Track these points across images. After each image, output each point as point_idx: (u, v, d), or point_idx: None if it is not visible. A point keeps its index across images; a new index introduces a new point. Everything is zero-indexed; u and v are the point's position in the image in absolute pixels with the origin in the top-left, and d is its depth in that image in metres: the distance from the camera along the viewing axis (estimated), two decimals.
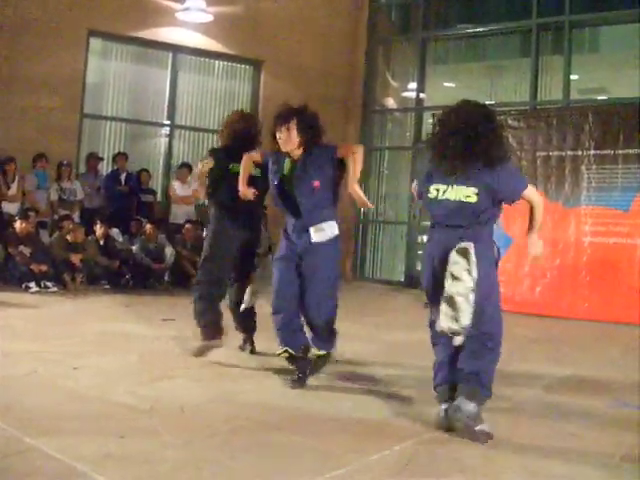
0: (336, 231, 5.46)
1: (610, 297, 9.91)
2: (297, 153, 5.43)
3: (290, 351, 5.35)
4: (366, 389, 5.49)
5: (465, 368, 4.39)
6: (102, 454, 3.69)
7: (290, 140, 5.37)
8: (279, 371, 5.77)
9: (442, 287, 4.26)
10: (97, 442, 3.87)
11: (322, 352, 5.51)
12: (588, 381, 6.18)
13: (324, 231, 5.39)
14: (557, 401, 5.41)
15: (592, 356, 7.54)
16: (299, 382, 5.32)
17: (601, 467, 3.99)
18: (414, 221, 14.05)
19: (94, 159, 12.36)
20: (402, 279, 14.20)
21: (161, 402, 4.71)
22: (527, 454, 4.12)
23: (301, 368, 5.38)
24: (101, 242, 11.01)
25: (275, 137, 5.45)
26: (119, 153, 12.62)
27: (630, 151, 10.21)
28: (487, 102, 13.78)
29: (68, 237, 10.59)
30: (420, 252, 13.84)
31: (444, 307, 4.23)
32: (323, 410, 4.82)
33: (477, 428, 4.24)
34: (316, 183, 5.35)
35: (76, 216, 11.48)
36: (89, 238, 10.94)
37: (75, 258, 10.39)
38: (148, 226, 11.47)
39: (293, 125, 5.36)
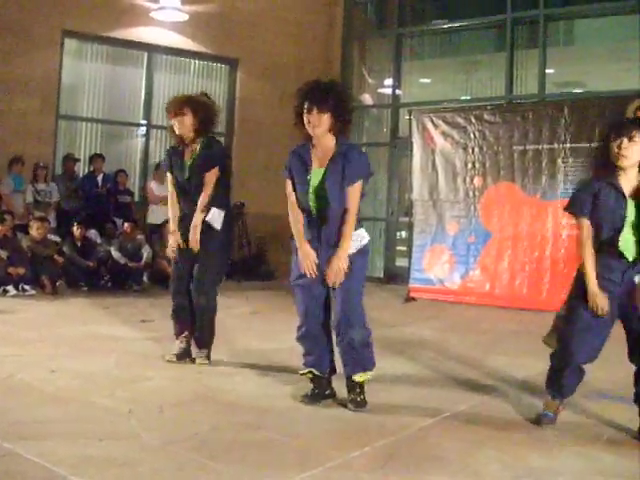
0: (366, 240, 4.92)
1: None
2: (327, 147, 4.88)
3: (315, 372, 4.98)
4: (343, 386, 5.49)
5: None
6: (81, 457, 3.67)
7: (321, 124, 4.80)
8: (257, 371, 5.78)
9: None
10: (76, 445, 3.85)
11: (365, 375, 4.87)
12: None
13: (353, 241, 4.81)
14: (536, 393, 5.43)
15: None
16: (312, 398, 4.96)
17: (580, 457, 4.02)
18: (392, 217, 14.07)
19: (70, 161, 12.28)
20: (381, 275, 14.20)
21: (140, 404, 4.69)
22: (506, 446, 4.14)
23: (321, 386, 5.00)
24: (79, 244, 10.95)
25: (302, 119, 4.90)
26: (95, 154, 12.55)
27: None
28: (463, 97, 13.96)
29: (34, 233, 10.49)
30: (399, 248, 13.88)
31: None
32: (303, 408, 4.82)
33: None
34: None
35: (52, 218, 11.41)
36: (66, 240, 10.88)
37: (57, 257, 10.34)
38: (126, 224, 11.43)
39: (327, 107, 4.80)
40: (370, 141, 15.36)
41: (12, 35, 11.77)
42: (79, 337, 7.04)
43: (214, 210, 5.84)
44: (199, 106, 5.95)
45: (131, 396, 4.90)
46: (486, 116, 11.16)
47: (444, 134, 11.41)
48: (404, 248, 12.68)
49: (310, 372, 4.98)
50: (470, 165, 11.18)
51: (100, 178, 12.34)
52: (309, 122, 4.82)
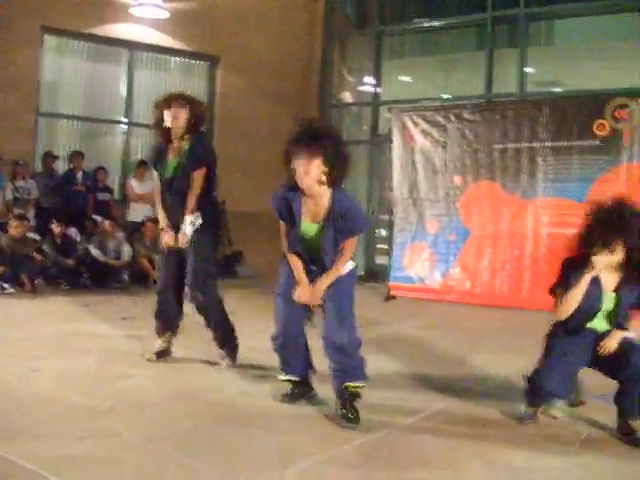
0: (352, 265, 4.73)
1: None
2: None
3: (294, 379, 4.91)
4: (327, 384, 5.50)
5: None
6: (62, 456, 3.67)
7: (309, 174, 4.42)
8: (237, 369, 5.79)
9: None
10: (57, 445, 3.85)
11: (357, 384, 4.64)
12: None
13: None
14: (517, 390, 5.46)
15: None
16: (292, 397, 4.93)
17: (560, 454, 4.05)
18: (372, 216, 14.09)
19: (50, 158, 12.22)
20: (362, 273, 14.22)
21: (121, 402, 4.69)
22: (487, 444, 4.16)
23: (300, 386, 4.95)
24: (58, 241, 10.89)
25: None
26: (75, 152, 12.48)
27: (584, 143, 10.32)
28: (443, 95, 14.00)
29: (13, 232, 10.42)
30: (379, 246, 13.90)
31: None
32: (283, 407, 4.83)
33: None
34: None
35: (31, 215, 11.35)
36: (46, 238, 10.82)
37: (36, 256, 10.29)
38: (106, 222, 11.38)
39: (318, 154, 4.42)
40: (350, 139, 15.36)
41: None
42: (60, 335, 7.00)
43: (187, 219, 5.84)
44: (195, 102, 6.01)
45: (112, 394, 4.89)
46: (466, 115, 11.19)
47: (424, 132, 11.43)
48: (384, 246, 12.70)
49: (289, 380, 4.92)
50: (450, 164, 11.20)
51: (80, 175, 12.27)
52: (298, 170, 4.42)
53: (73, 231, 11.52)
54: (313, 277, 4.65)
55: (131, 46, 13.36)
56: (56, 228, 10.88)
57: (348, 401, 4.55)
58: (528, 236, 10.57)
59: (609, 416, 4.62)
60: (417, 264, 11.29)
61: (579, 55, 13.65)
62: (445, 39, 14.74)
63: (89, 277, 11.00)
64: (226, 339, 6.01)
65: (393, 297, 11.23)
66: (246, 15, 14.04)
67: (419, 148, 11.45)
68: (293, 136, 4.47)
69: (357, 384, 4.60)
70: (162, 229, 6.01)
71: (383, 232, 13.97)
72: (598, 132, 10.21)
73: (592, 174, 10.24)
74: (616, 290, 4.53)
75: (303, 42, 14.95)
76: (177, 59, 13.91)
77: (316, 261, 4.65)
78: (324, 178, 4.43)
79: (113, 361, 5.94)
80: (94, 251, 11.08)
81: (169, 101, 5.90)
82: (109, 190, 12.67)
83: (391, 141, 11.83)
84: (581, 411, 4.93)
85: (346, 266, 4.65)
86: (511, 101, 12.20)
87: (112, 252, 11.20)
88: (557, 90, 13.87)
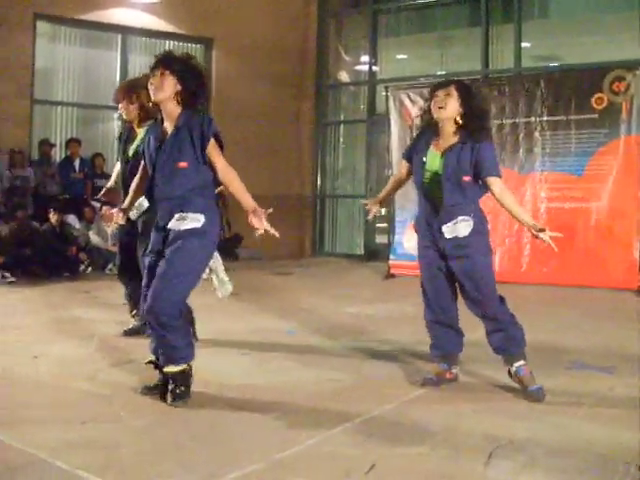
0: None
1: (568, 261, 10.00)
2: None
3: None
4: (327, 362, 5.51)
5: None
6: (63, 441, 3.67)
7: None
8: (237, 350, 5.79)
9: None
10: (58, 430, 3.86)
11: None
12: (547, 345, 6.24)
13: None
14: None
15: (551, 320, 7.62)
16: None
17: (560, 428, 4.05)
18: (371, 194, 14.06)
19: (46, 145, 12.19)
20: (362, 252, 14.23)
21: (121, 387, 4.70)
22: (489, 420, 4.16)
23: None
24: (57, 229, 10.88)
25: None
26: (71, 139, 12.47)
27: (582, 117, 10.30)
28: (439, 72, 13.94)
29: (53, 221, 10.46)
30: (378, 225, 13.88)
31: None
32: (282, 387, 4.83)
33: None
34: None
35: (29, 203, 11.34)
36: (44, 226, 10.81)
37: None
38: (105, 208, 11.32)
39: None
40: (347, 118, 15.35)
41: None
42: (60, 322, 7.03)
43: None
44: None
45: (112, 379, 4.90)
46: None
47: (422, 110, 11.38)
48: (384, 225, 12.68)
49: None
50: None
51: (77, 162, 12.28)
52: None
53: (72, 218, 11.51)
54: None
55: (124, 31, 13.29)
56: (52, 217, 10.85)
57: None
58: (527, 211, 10.55)
59: (609, 386, 4.62)
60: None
61: (575, 28, 13.58)
62: (440, 16, 14.64)
63: (89, 264, 11.00)
64: None
65: (392, 275, 11.22)
66: None
67: (417, 126, 11.39)
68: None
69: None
70: None
71: (383, 211, 13.94)
72: (596, 106, 10.19)
73: (590, 148, 10.25)
74: None
75: (298, 21, 14.87)
76: (171, 42, 13.82)
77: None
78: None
79: (113, 346, 5.95)
80: (93, 237, 11.08)
81: None
82: (107, 176, 12.62)
83: (389, 119, 11.80)
84: (581, 383, 4.94)
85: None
86: (507, 76, 12.16)
87: (112, 238, 11.20)
88: (554, 64, 13.81)
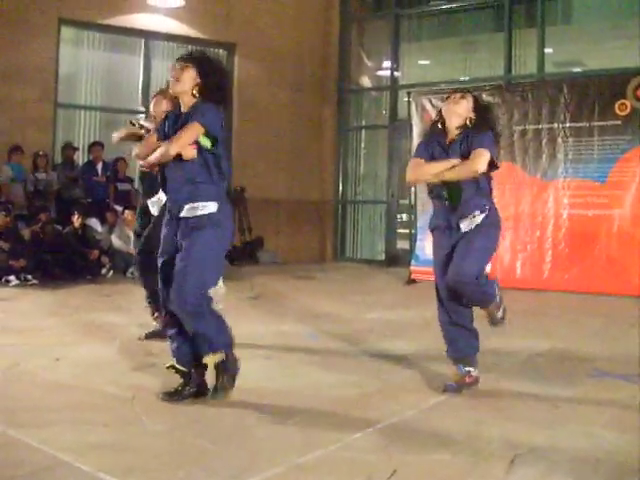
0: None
1: (589, 268, 9.97)
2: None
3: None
4: (348, 367, 5.51)
5: None
6: (86, 444, 3.69)
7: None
8: (258, 352, 5.79)
9: None
10: (80, 432, 3.87)
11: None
12: (569, 353, 6.22)
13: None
14: (539, 373, 5.45)
15: (573, 328, 7.58)
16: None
17: (581, 436, 4.02)
18: (392, 200, 14.07)
19: (70, 149, 12.27)
20: (383, 258, 14.23)
21: (143, 390, 4.71)
22: (510, 426, 4.14)
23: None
24: (79, 233, 10.94)
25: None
26: (94, 143, 12.54)
27: (605, 123, 10.25)
28: (461, 78, 13.92)
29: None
30: (400, 231, 13.89)
31: None
32: (304, 391, 4.84)
33: None
34: None
35: (52, 207, 11.41)
36: (66, 229, 10.88)
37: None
38: (127, 212, 11.41)
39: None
40: (369, 124, 15.36)
41: (8, 24, 11.73)
42: (82, 325, 7.06)
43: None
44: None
45: (134, 382, 4.91)
46: (485, 97, 11.09)
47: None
48: (405, 231, 12.67)
49: None
50: None
51: (100, 166, 12.35)
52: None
53: (94, 222, 11.58)
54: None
55: (147, 36, 13.38)
56: (76, 220, 10.92)
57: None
58: (549, 218, 10.52)
59: (631, 395, 4.59)
60: None
61: (598, 34, 13.53)
62: (463, 21, 14.63)
63: (111, 267, 11.06)
64: None
65: (414, 281, 11.20)
66: (262, 1, 14.02)
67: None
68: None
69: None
70: None
71: (404, 217, 13.95)
72: (619, 112, 10.14)
73: (613, 154, 10.19)
74: None
75: (320, 27, 14.91)
76: (193, 47, 13.81)
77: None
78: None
79: (135, 349, 5.97)
80: (116, 241, 11.13)
81: None
82: (129, 180, 12.71)
83: (410, 125, 11.79)
84: (602, 391, 4.91)
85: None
86: (530, 82, 12.12)
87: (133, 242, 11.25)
88: (577, 70, 13.76)
